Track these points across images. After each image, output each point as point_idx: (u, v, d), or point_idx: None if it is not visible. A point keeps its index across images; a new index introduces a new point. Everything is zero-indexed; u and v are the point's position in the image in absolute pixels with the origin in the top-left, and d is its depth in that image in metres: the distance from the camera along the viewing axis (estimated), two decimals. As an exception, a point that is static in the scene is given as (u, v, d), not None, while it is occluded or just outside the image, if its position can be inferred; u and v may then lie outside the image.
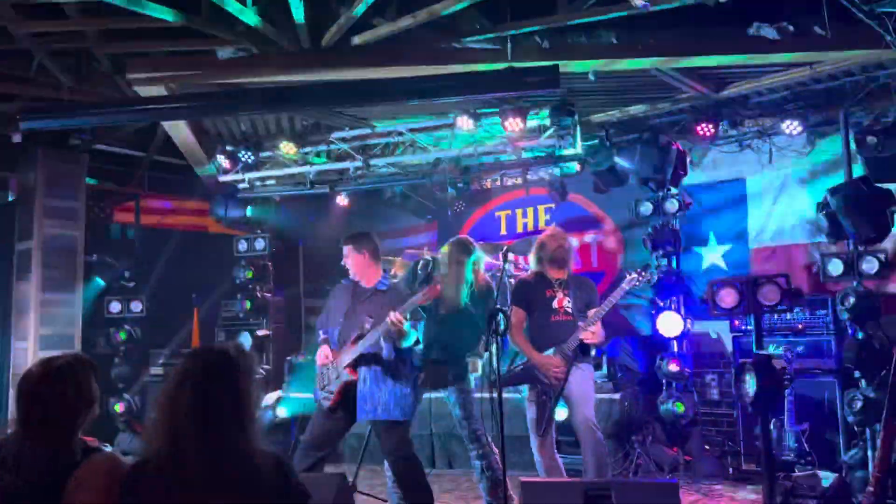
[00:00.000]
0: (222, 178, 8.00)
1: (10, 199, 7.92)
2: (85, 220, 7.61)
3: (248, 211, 8.39)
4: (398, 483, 4.47)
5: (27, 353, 7.12)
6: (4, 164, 7.66)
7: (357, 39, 5.36)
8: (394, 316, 4.07)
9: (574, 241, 4.91)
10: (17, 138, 6.82)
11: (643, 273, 4.67)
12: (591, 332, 4.51)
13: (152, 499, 1.98)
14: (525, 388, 4.72)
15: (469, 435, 4.72)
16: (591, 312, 4.64)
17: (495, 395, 3.93)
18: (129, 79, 5.69)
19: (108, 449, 7.74)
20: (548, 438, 4.60)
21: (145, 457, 2.04)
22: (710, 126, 6.58)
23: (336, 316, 4.57)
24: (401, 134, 7.40)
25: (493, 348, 4.12)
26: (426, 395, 4.95)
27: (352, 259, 4.49)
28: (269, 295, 8.53)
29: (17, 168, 7.59)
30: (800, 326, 5.93)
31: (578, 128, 6.68)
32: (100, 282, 8.09)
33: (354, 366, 4.34)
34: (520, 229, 9.10)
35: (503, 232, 9.21)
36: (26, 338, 7.20)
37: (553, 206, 8.61)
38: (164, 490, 1.96)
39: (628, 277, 4.65)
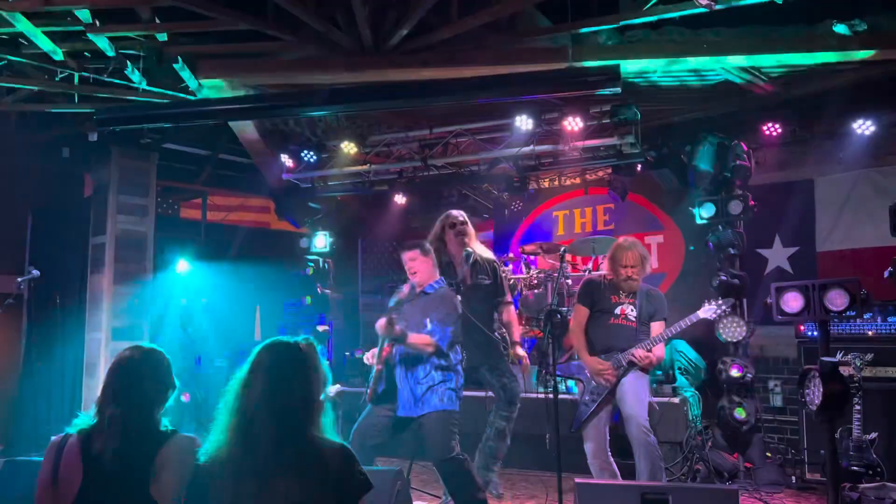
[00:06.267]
0: (286, 177, 8.18)
1: (85, 195, 8.28)
2: (154, 216, 7.91)
3: (310, 209, 8.57)
4: (447, 484, 4.38)
5: (100, 343, 7.44)
6: (81, 161, 8.01)
7: (418, 40, 5.42)
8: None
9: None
10: (92, 137, 7.13)
11: (722, 305, 4.62)
12: (642, 355, 4.47)
13: (223, 481, 2.07)
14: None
15: (498, 427, 4.96)
16: (656, 326, 4.61)
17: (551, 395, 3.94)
18: (199, 80, 5.89)
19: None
20: (599, 441, 4.58)
21: (218, 441, 2.13)
22: (777, 125, 6.41)
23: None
24: (459, 134, 7.43)
25: (549, 348, 4.14)
26: (470, 394, 4.99)
27: (418, 262, 4.44)
28: (328, 291, 8.70)
29: (92, 166, 7.93)
30: (870, 333, 5.73)
31: (640, 127, 6.60)
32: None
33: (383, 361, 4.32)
34: (578, 229, 9.04)
35: (561, 232, 9.16)
36: (99, 329, 7.51)
37: (613, 206, 8.52)
38: (234, 473, 2.06)
39: (706, 307, 4.64)
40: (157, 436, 2.28)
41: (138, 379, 2.35)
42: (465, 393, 4.78)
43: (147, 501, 2.15)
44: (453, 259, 5.11)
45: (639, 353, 4.48)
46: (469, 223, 5.14)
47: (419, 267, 4.41)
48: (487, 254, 5.26)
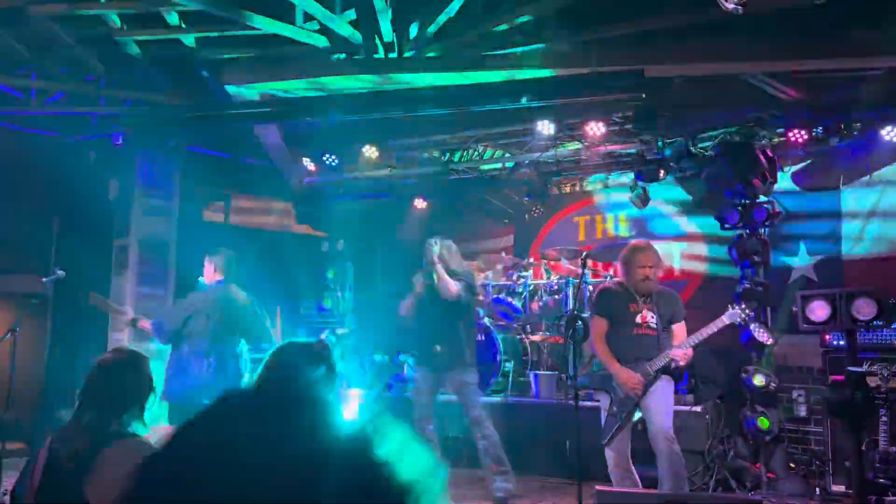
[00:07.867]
0: (307, 181, 8.23)
1: (110, 198, 8.37)
2: (177, 219, 7.98)
3: (331, 213, 8.61)
4: None
5: (122, 343, 7.51)
6: (106, 164, 8.10)
7: (441, 45, 5.43)
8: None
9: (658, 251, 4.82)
10: (118, 140, 7.21)
11: (746, 308, 4.56)
12: (682, 354, 4.43)
13: None
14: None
15: (470, 420, 5.16)
16: (677, 329, 4.56)
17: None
18: (224, 84, 5.94)
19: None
20: (621, 449, 4.53)
21: None
22: (803, 132, 6.33)
23: None
24: (481, 138, 7.43)
25: (571, 355, 4.12)
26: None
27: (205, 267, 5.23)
28: (349, 294, 8.72)
29: (117, 168, 8.01)
30: (897, 343, 5.63)
31: (663, 132, 6.55)
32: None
33: None
34: (599, 235, 8.98)
35: (582, 238, 9.10)
36: (122, 329, 7.59)
37: (635, 211, 8.46)
38: None
39: (731, 311, 4.57)
40: (106, 437, 2.30)
41: (102, 382, 2.41)
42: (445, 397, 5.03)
43: (80, 502, 2.18)
44: None
45: (677, 353, 4.44)
46: (444, 251, 5.28)
47: (204, 271, 5.22)
48: (459, 265, 5.46)
